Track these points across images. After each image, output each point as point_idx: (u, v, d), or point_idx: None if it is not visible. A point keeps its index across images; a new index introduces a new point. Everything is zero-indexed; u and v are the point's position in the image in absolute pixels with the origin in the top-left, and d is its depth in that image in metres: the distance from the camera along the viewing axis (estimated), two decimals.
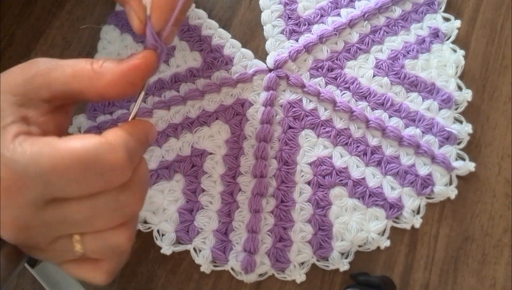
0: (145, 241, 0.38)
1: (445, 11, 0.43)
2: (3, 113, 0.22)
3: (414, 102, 0.41)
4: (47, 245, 0.22)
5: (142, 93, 0.25)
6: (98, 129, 0.40)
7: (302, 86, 0.40)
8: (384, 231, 0.38)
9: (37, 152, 0.20)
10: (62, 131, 0.25)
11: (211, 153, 0.39)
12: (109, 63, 0.23)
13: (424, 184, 0.38)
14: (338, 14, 0.43)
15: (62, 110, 0.25)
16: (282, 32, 0.42)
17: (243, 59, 0.41)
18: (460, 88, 0.41)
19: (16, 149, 0.20)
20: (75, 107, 0.26)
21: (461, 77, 0.42)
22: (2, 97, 0.22)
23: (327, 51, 0.41)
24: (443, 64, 0.41)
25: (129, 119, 0.25)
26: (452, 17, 0.43)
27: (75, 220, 0.22)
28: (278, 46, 0.42)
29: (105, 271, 0.23)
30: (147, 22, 0.25)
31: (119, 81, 0.23)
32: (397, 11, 0.43)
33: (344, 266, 0.37)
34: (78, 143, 0.21)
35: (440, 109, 0.40)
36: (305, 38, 0.42)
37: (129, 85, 0.23)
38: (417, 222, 0.38)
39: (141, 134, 0.24)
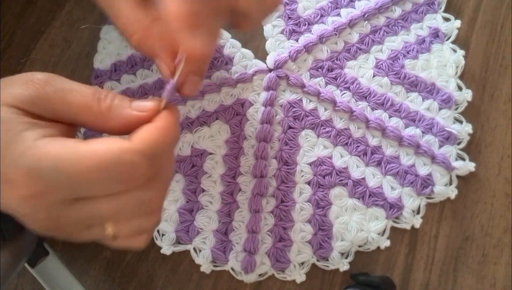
0: None
1: (445, 11, 0.43)
2: (15, 120, 0.22)
3: (414, 102, 0.41)
4: (80, 233, 0.24)
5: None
6: None
7: (302, 86, 0.40)
8: (384, 231, 0.38)
9: (60, 157, 0.21)
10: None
11: (211, 153, 0.39)
12: (118, 106, 0.23)
13: (424, 184, 0.38)
14: (338, 14, 0.43)
15: None
16: (282, 32, 0.42)
17: (243, 59, 0.41)
18: (460, 88, 0.41)
19: (38, 154, 0.21)
20: None
21: (461, 77, 0.42)
22: (5, 109, 0.22)
23: (327, 51, 0.41)
24: (443, 64, 0.41)
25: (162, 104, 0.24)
26: (452, 17, 0.43)
27: (103, 215, 0.23)
28: (278, 46, 0.42)
29: (141, 241, 0.25)
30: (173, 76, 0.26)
31: (123, 128, 0.23)
32: (397, 11, 0.43)
33: (344, 266, 0.37)
34: (102, 148, 0.21)
35: (440, 109, 0.40)
36: (305, 38, 0.42)
37: (132, 130, 0.23)
38: (417, 222, 0.38)
39: (170, 130, 0.23)
